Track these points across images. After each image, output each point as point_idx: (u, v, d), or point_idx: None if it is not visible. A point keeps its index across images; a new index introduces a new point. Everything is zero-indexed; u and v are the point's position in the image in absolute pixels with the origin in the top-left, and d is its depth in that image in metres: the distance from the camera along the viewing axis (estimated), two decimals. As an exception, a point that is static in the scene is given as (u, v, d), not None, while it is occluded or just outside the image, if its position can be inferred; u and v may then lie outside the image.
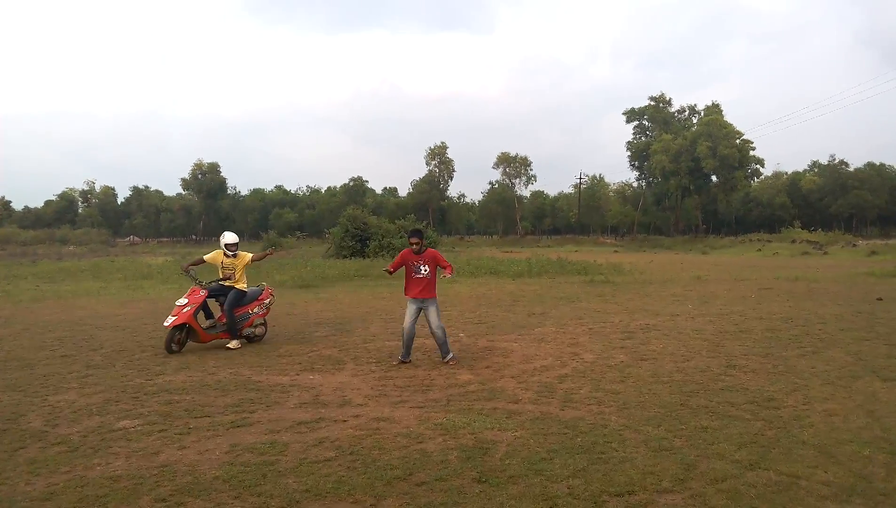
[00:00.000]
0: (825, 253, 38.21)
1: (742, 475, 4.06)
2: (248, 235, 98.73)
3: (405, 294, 7.79)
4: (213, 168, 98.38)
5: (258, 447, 4.72)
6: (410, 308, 7.70)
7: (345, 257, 30.68)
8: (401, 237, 32.08)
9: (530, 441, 4.76)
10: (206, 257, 9.34)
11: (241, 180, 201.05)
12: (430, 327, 7.68)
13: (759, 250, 44.78)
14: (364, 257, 29.75)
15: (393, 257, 28.09)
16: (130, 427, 5.22)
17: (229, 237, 9.18)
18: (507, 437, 4.86)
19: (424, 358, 8.00)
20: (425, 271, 7.67)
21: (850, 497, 3.74)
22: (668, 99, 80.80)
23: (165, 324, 8.47)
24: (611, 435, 4.87)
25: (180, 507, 3.71)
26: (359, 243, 31.97)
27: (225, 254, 9.12)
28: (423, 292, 7.67)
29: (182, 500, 3.80)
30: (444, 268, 7.85)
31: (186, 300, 8.64)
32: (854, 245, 41.78)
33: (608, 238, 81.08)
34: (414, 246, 7.71)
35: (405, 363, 7.68)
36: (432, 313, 7.68)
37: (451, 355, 7.74)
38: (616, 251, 49.14)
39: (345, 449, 4.65)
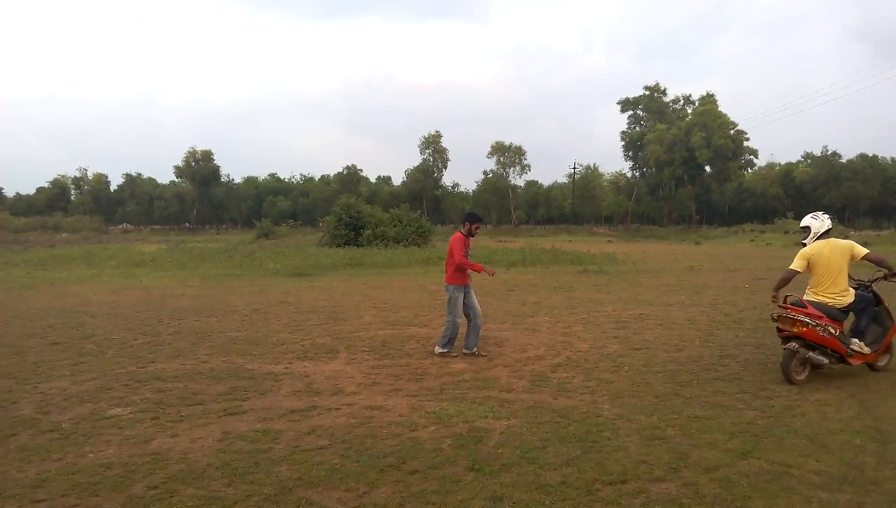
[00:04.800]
0: (818, 244, 38.25)
1: (734, 464, 4.08)
2: (242, 223, 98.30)
3: (460, 282, 7.45)
4: (207, 156, 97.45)
5: (251, 435, 4.71)
6: (460, 296, 7.46)
7: (338, 245, 30.72)
8: (394, 226, 32.02)
9: (523, 430, 4.77)
10: None
11: (234, 168, 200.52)
12: (476, 311, 7.53)
13: (752, 240, 44.88)
14: (358, 246, 29.76)
15: (387, 246, 28.55)
16: (122, 415, 5.20)
17: None
18: (501, 426, 4.87)
19: (418, 347, 7.99)
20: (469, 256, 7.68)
21: (841, 486, 3.76)
22: (662, 89, 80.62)
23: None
24: (604, 424, 4.89)
25: (172, 494, 3.70)
26: (352, 232, 31.96)
27: None
28: (469, 277, 7.67)
29: (174, 487, 3.78)
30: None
31: None
32: (846, 236, 41.94)
33: (602, 228, 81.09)
34: (476, 231, 7.65)
35: (452, 354, 7.49)
36: (475, 296, 7.63)
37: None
38: (610, 241, 49.22)
39: (338, 437, 4.65)
